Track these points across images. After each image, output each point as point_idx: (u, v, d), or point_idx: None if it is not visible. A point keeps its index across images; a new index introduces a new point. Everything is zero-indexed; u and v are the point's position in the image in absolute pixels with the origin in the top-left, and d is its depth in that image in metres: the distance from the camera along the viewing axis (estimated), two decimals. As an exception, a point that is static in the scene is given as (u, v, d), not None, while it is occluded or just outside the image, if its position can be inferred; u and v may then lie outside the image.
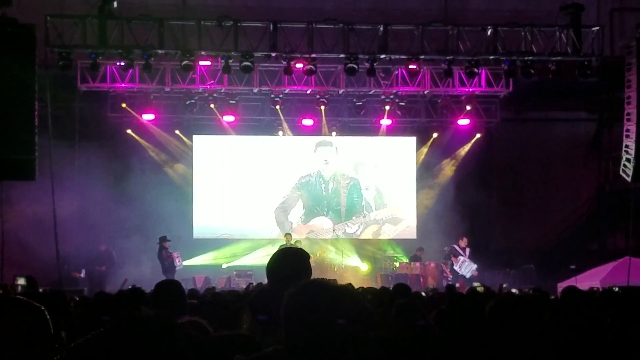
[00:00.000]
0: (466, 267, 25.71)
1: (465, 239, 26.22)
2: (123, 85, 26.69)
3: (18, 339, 3.72)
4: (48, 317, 3.84)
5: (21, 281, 19.73)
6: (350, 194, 29.05)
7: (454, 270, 25.87)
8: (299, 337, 3.66)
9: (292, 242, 25.92)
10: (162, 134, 28.20)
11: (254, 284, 19.41)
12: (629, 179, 25.81)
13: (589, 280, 22.56)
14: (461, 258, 25.81)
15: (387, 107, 27.94)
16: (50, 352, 3.84)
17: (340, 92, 27.70)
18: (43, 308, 3.86)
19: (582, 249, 27.44)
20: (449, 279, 25.64)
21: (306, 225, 28.54)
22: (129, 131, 27.82)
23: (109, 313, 7.92)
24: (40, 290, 15.38)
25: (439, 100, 28.58)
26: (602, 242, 28.20)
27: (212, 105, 27.36)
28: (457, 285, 22.42)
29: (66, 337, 5.57)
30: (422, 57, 25.29)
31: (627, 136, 26.00)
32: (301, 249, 5.74)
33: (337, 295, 3.72)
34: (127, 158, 27.68)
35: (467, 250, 26.07)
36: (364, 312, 3.77)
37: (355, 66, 24.93)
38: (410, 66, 25.32)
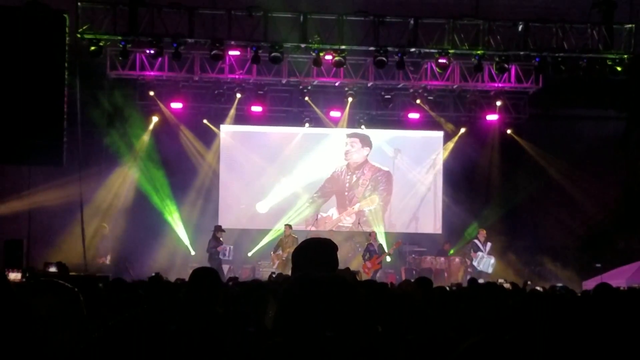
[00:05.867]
0: (484, 263, 25.59)
1: (483, 232, 26.12)
2: (152, 73, 26.73)
3: (52, 319, 3.77)
4: (81, 298, 3.89)
5: (52, 269, 19.86)
6: (376, 185, 28.99)
7: (474, 266, 25.78)
8: (294, 334, 3.60)
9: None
10: (189, 123, 28.21)
11: (275, 274, 19.47)
12: (657, 179, 25.69)
13: (615, 279, 22.45)
14: (479, 254, 25.70)
15: (417, 101, 27.85)
16: (83, 332, 3.88)
17: (369, 84, 27.62)
18: (76, 290, 3.91)
19: (609, 248, 27.24)
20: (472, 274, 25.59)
21: (326, 217, 28.58)
22: (154, 118, 27.83)
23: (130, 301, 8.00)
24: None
25: (468, 95, 28.46)
26: (629, 241, 27.98)
27: (239, 95, 27.37)
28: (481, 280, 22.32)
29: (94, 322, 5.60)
30: (452, 51, 25.21)
31: (657, 135, 25.87)
32: (328, 239, 5.40)
33: (329, 295, 3.60)
34: (154, 146, 27.74)
35: (488, 245, 25.91)
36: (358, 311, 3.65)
37: (384, 59, 24.89)
38: (440, 60, 25.24)
